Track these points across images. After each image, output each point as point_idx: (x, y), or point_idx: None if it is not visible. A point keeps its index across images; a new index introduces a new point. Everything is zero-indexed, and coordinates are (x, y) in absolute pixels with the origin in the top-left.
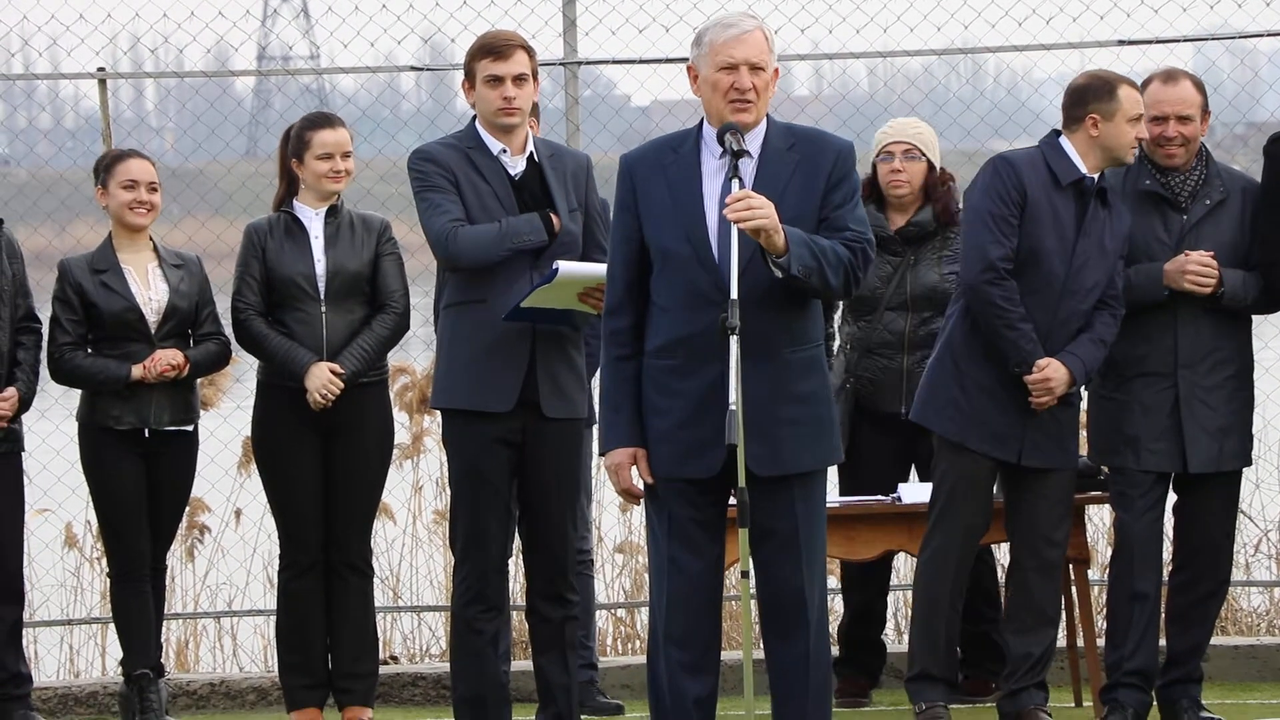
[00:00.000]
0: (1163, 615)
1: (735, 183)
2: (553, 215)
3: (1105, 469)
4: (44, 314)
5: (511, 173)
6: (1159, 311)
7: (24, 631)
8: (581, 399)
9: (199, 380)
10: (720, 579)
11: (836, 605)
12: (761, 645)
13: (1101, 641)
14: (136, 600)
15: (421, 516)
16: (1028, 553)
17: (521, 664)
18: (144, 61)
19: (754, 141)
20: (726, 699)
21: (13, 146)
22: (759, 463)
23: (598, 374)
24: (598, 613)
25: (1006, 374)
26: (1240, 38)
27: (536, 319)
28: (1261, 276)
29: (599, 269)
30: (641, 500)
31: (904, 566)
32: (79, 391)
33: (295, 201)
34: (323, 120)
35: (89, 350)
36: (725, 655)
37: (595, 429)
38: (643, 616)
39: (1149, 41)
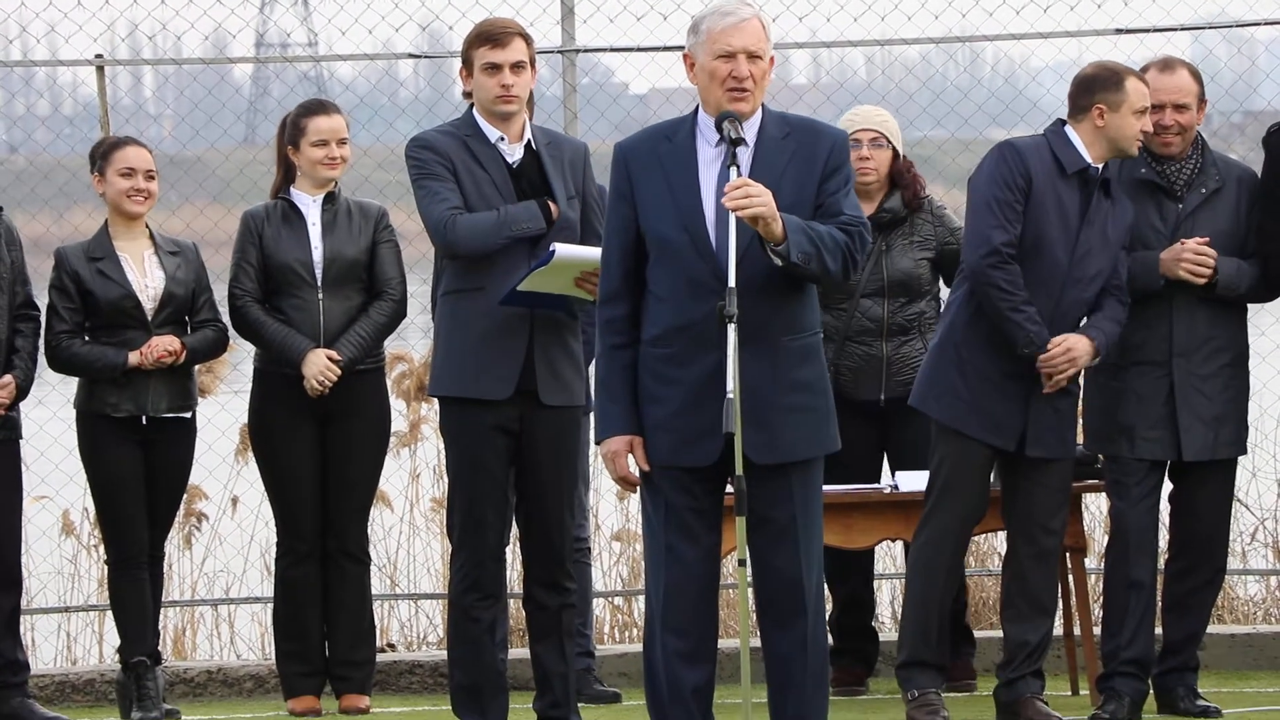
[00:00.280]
0: (1159, 604)
1: (733, 170)
2: (550, 203)
3: (1101, 457)
4: (42, 301)
5: (509, 160)
6: (1154, 300)
7: (21, 619)
8: (579, 386)
9: (196, 367)
10: (717, 568)
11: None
12: (758, 634)
13: (1098, 630)
14: (134, 587)
15: (419, 504)
16: (1024, 541)
17: (519, 652)
18: (142, 48)
19: (750, 130)
20: (724, 687)
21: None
22: (757, 451)
23: (594, 362)
24: (595, 601)
25: (1009, 362)
26: (1238, 26)
27: (533, 303)
28: (1260, 267)
29: (596, 252)
30: (637, 488)
31: (894, 554)
32: (76, 378)
33: (292, 189)
34: (318, 107)
35: (86, 338)
36: (722, 644)
37: (592, 416)
38: (640, 605)
39: (1146, 30)
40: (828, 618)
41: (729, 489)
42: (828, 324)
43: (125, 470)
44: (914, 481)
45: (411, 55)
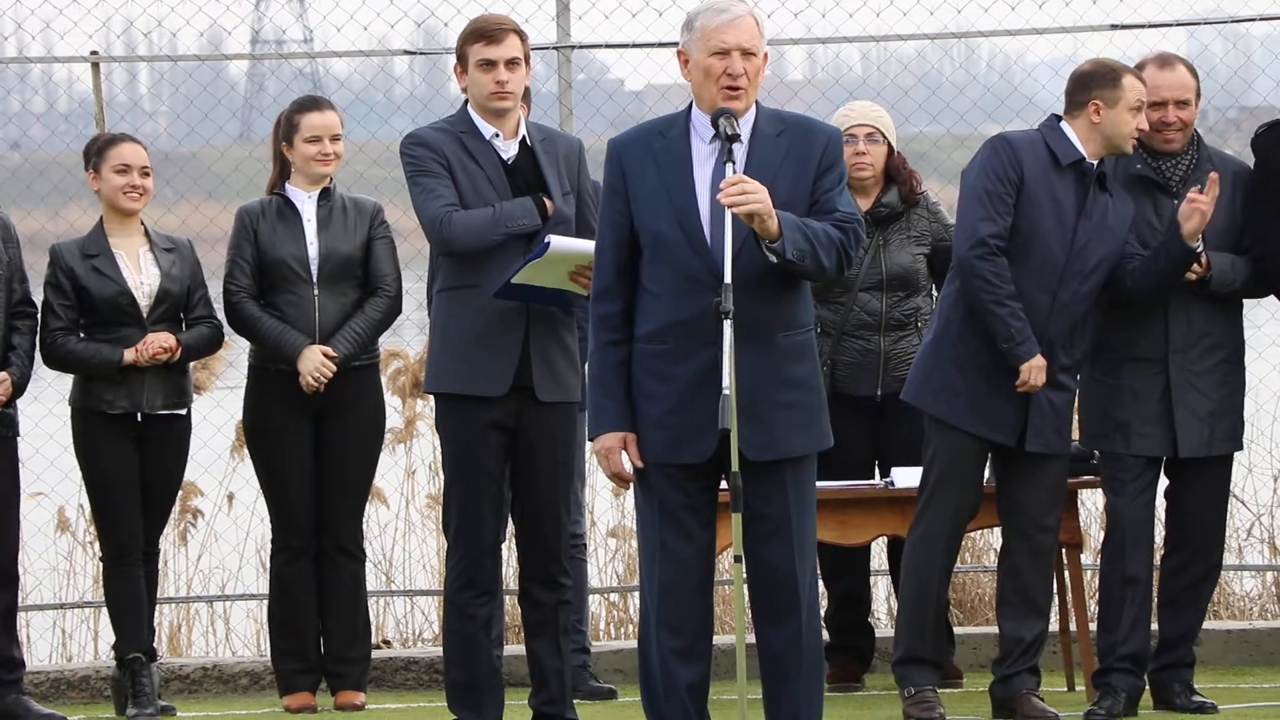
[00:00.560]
0: (1155, 600)
1: (729, 167)
2: (546, 200)
3: (1097, 453)
4: (38, 298)
5: (504, 157)
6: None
7: (17, 616)
8: (575, 382)
9: (192, 364)
10: (711, 564)
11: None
12: (753, 630)
13: (1094, 626)
14: (129, 584)
15: (415, 501)
16: (1019, 538)
17: (514, 648)
18: (137, 45)
19: (744, 127)
20: (719, 684)
21: (6, 130)
22: (752, 447)
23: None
24: (591, 597)
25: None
26: (1233, 22)
27: (528, 297)
28: (1254, 266)
29: (591, 245)
30: (631, 485)
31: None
32: (72, 375)
33: (287, 185)
34: (311, 103)
35: (81, 335)
36: (717, 640)
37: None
38: (636, 601)
39: (1141, 26)
40: (824, 614)
41: (723, 485)
42: (825, 318)
43: (120, 467)
44: (910, 478)
45: (407, 52)
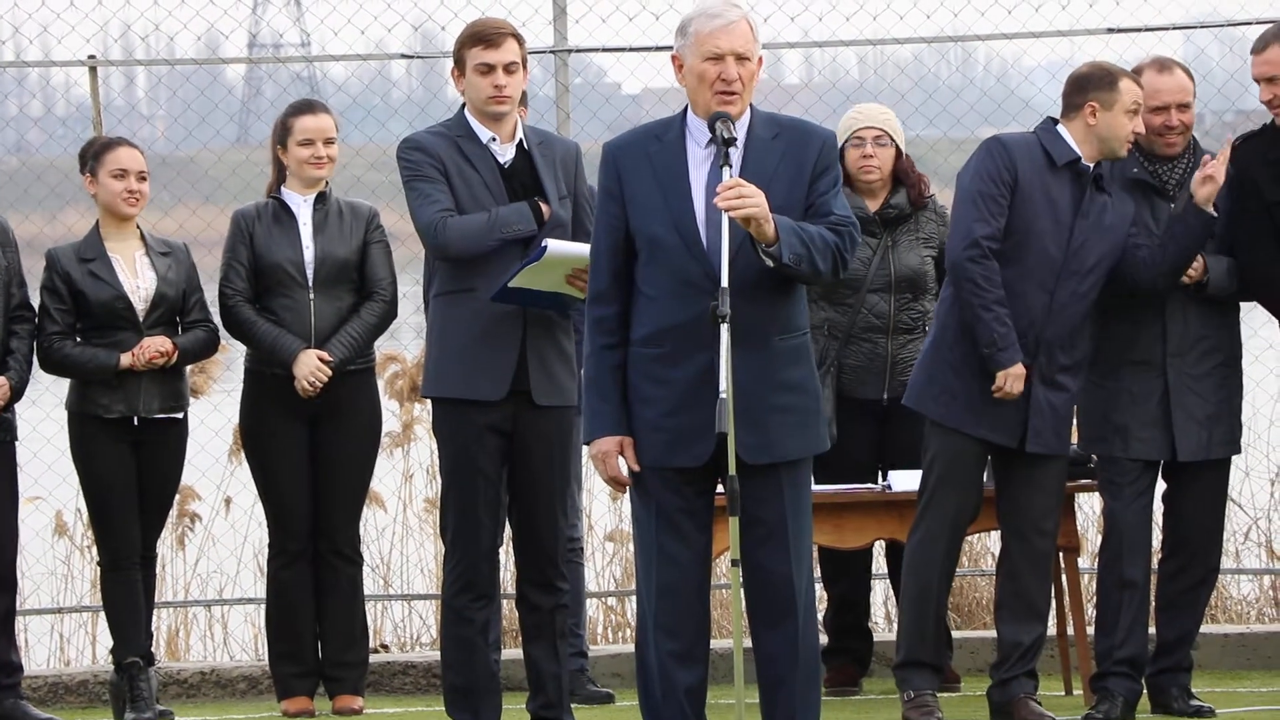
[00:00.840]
0: (1152, 603)
1: (726, 171)
2: (542, 204)
3: (1094, 457)
4: (35, 302)
5: (501, 161)
6: (1147, 300)
7: (15, 620)
8: (573, 386)
9: (189, 367)
10: (708, 568)
11: (822, 594)
12: (749, 634)
13: (1091, 630)
14: (126, 588)
15: (412, 505)
16: (1018, 541)
17: (512, 652)
18: (135, 49)
19: (739, 131)
20: (716, 687)
21: (4, 134)
22: (748, 450)
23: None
24: (588, 601)
25: None
26: (1229, 25)
27: (525, 301)
28: (1241, 275)
29: (587, 249)
30: (627, 489)
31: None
32: (68, 379)
33: (283, 188)
34: (305, 107)
35: (78, 339)
36: (715, 644)
37: None
38: (633, 605)
39: (1138, 29)
40: (822, 617)
41: (719, 489)
42: (832, 320)
43: (117, 471)
44: (907, 481)
45: (404, 56)
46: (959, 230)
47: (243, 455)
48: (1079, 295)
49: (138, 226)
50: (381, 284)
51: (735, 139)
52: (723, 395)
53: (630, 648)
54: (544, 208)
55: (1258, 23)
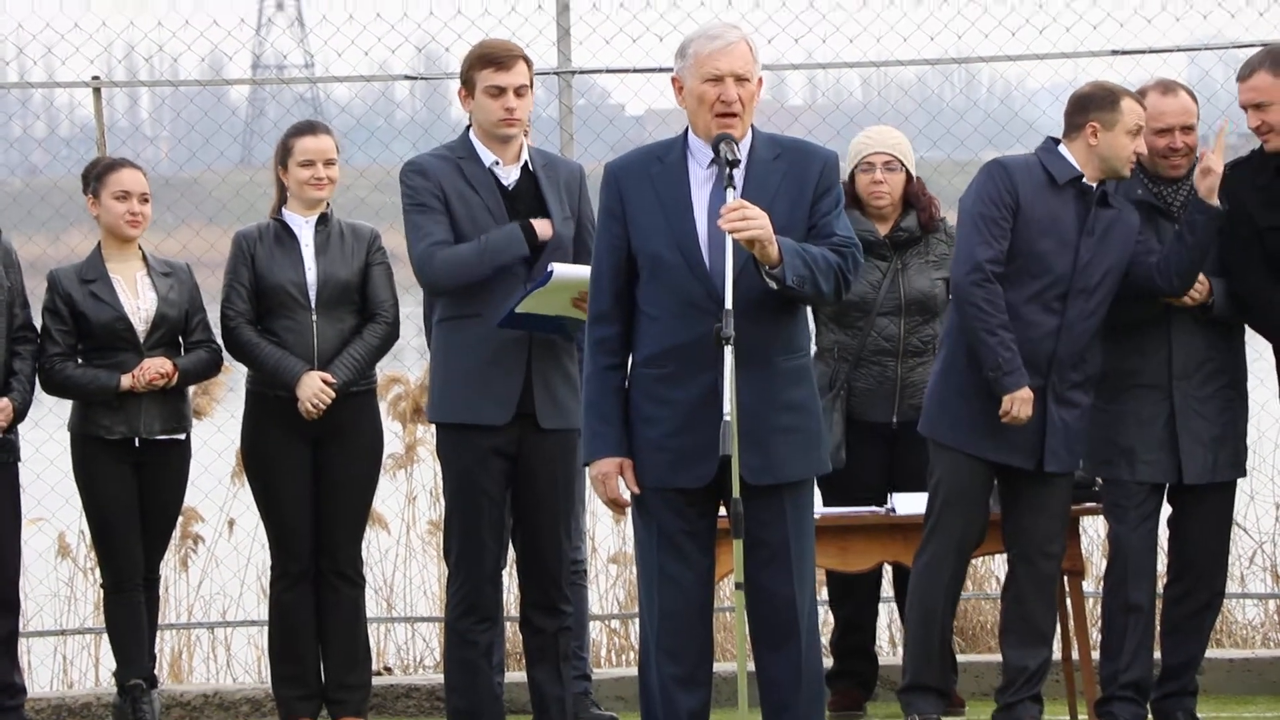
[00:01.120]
0: (1158, 628)
1: (729, 192)
2: (534, 221)
3: (1099, 480)
4: (38, 324)
5: (505, 183)
6: (1153, 323)
7: (18, 642)
8: (576, 409)
9: (192, 389)
10: (711, 590)
11: (828, 617)
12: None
13: (1096, 654)
14: (129, 610)
15: (415, 527)
16: (1024, 565)
17: (515, 675)
18: (139, 70)
19: (740, 152)
20: (720, 711)
21: (7, 155)
22: (751, 471)
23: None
24: (592, 624)
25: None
26: (1234, 48)
27: (530, 326)
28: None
29: None
30: (628, 511)
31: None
32: (71, 401)
33: (285, 210)
34: (306, 128)
35: (79, 360)
36: (718, 667)
37: None
38: (637, 628)
39: (1142, 51)
40: (827, 640)
41: (722, 511)
42: (842, 343)
43: (119, 493)
44: (912, 504)
45: (408, 77)
46: (962, 254)
47: (245, 477)
48: (1088, 313)
49: (140, 247)
50: (383, 306)
51: (739, 160)
52: (726, 418)
53: (634, 671)
54: (537, 226)
55: (1262, 45)
